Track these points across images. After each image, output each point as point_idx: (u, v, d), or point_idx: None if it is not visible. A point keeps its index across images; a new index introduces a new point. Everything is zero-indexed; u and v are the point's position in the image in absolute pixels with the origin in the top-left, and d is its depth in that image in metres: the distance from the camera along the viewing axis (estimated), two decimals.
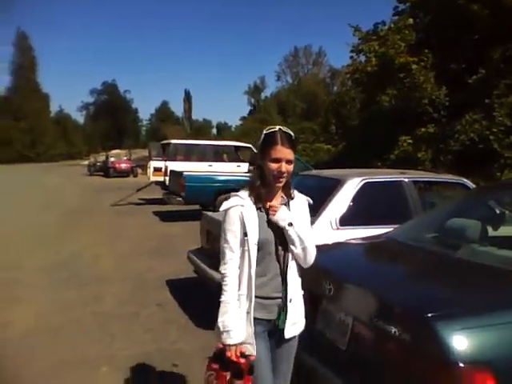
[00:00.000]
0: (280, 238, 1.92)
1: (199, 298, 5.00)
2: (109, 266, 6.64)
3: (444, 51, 13.61)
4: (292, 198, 2.00)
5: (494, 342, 1.79)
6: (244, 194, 1.92)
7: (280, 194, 1.97)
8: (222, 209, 1.91)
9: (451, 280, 2.41)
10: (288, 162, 1.85)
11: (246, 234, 1.84)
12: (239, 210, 1.87)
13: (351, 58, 16.13)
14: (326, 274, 2.51)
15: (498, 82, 12.03)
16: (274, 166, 1.84)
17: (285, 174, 1.86)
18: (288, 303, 1.94)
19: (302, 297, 2.04)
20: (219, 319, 1.83)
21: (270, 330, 1.96)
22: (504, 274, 2.29)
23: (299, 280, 2.01)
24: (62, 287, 5.55)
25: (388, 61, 13.98)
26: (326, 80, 56.72)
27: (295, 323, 1.99)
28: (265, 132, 1.91)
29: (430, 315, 1.82)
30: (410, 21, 14.38)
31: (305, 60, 62.20)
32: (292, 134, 1.91)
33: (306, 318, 2.07)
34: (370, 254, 3.21)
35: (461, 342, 1.72)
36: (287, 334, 1.97)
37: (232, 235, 1.86)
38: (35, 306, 4.89)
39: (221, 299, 1.85)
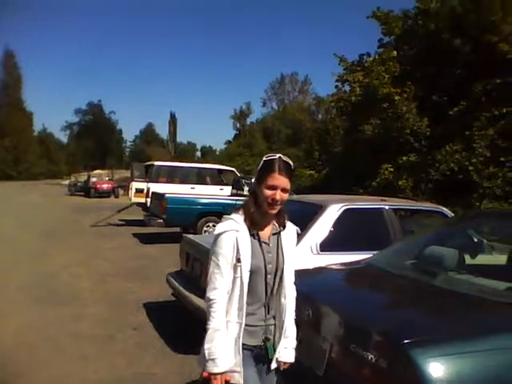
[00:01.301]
0: (270, 266, 1.89)
1: (177, 322, 4.92)
2: (86, 287, 6.51)
3: (426, 83, 14.01)
4: (284, 228, 1.97)
5: (470, 369, 1.79)
6: (238, 218, 1.87)
7: (273, 221, 1.94)
8: (216, 232, 1.85)
9: (428, 307, 2.42)
10: (283, 190, 1.83)
11: (239, 260, 1.80)
12: (234, 235, 1.81)
13: (336, 87, 16.54)
14: (305, 299, 2.49)
15: (479, 114, 12.41)
16: (269, 192, 1.82)
17: (278, 202, 1.84)
18: (273, 332, 1.94)
19: (291, 325, 2.01)
20: (205, 346, 1.76)
21: (257, 355, 1.92)
22: (480, 303, 2.30)
23: (289, 307, 1.98)
24: (39, 306, 5.43)
25: (372, 91, 14.33)
26: (311, 108, 57.60)
27: (285, 348, 1.98)
28: (264, 159, 1.89)
29: (406, 341, 1.83)
30: (394, 53, 14.83)
31: (291, 87, 63.23)
32: (291, 163, 1.89)
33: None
34: (350, 279, 3.21)
35: (437, 369, 1.72)
36: (273, 365, 1.95)
37: (224, 260, 1.80)
38: (11, 324, 4.76)
39: (208, 326, 1.78)
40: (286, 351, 1.98)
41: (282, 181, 1.83)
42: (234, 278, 1.81)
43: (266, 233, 1.92)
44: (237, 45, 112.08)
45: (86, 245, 10.40)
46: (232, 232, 1.82)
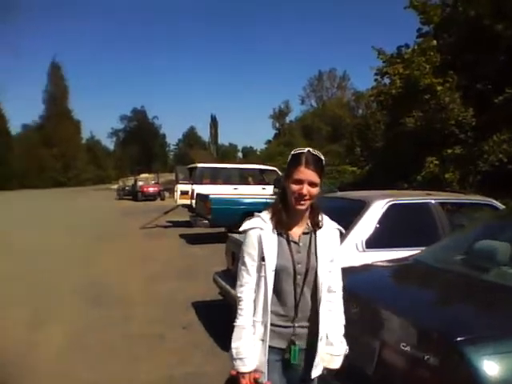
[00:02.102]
0: (299, 266, 1.80)
1: (225, 321, 4.98)
2: (136, 287, 6.71)
3: (469, 72, 13.50)
4: (319, 227, 1.86)
5: None
6: (266, 216, 1.83)
7: (306, 220, 1.85)
8: (241, 229, 1.85)
9: (481, 303, 2.36)
10: (311, 184, 1.75)
11: (263, 259, 1.76)
12: (258, 232, 1.79)
13: (375, 80, 16.17)
14: (352, 297, 2.48)
15: None
16: (295, 187, 1.75)
17: (306, 197, 1.74)
18: (306, 336, 1.84)
19: (336, 331, 1.90)
20: (233, 345, 1.76)
21: (284, 360, 1.84)
22: None
23: (327, 313, 1.86)
24: (91, 308, 5.64)
25: (413, 83, 13.94)
26: (351, 103, 56.75)
27: (321, 362, 1.87)
28: (292, 153, 1.82)
29: (459, 339, 1.79)
30: (434, 42, 14.36)
31: (329, 83, 62.54)
32: (321, 156, 1.80)
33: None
34: (397, 276, 3.17)
35: (491, 367, 1.69)
36: (313, 374, 1.84)
37: (250, 258, 1.79)
38: (65, 326, 4.97)
39: (235, 323, 1.78)
40: (329, 358, 1.88)
41: (308, 174, 1.74)
42: (259, 277, 1.78)
43: (296, 232, 1.84)
44: (273, 43, 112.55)
45: (135, 246, 10.74)
46: (256, 230, 1.79)
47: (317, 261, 1.82)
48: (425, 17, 15.55)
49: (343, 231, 1.98)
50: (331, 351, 1.88)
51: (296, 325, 1.81)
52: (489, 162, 12.16)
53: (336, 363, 1.89)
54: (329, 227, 1.90)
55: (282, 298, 1.80)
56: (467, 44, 13.67)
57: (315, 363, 1.84)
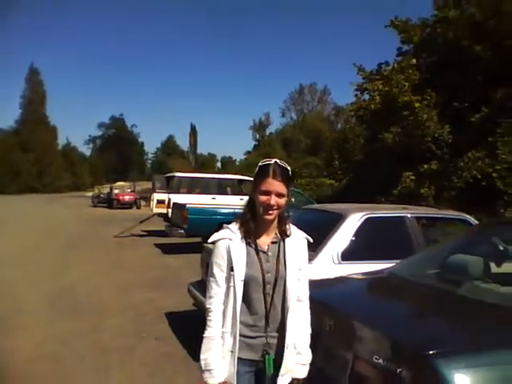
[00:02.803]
0: (269, 275, 1.81)
1: (198, 332, 4.91)
2: (108, 297, 6.58)
3: (447, 90, 13.85)
4: (287, 236, 1.88)
5: (496, 382, 1.74)
6: (234, 227, 1.84)
7: (274, 230, 1.87)
8: (210, 240, 1.85)
9: (453, 317, 2.36)
10: (279, 195, 1.77)
11: (232, 269, 1.77)
12: (227, 243, 1.80)
13: (355, 96, 16.45)
14: (327, 309, 2.47)
15: (501, 120, 12.18)
16: (263, 198, 1.77)
17: (274, 207, 1.77)
18: (275, 345, 1.83)
19: (303, 339, 1.90)
20: (201, 356, 1.77)
21: (257, 371, 1.85)
22: (507, 312, 2.24)
23: (295, 322, 1.86)
24: (61, 317, 5.50)
25: (392, 99, 14.23)
26: (331, 117, 57.49)
27: (289, 371, 1.86)
28: (259, 164, 1.83)
29: (431, 353, 1.79)
30: (414, 61, 14.72)
31: (310, 97, 63.26)
32: (288, 167, 1.83)
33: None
34: (372, 289, 3.17)
35: (463, 381, 1.68)
36: (279, 383, 1.83)
37: (218, 269, 1.80)
38: (34, 336, 4.84)
39: (204, 335, 1.79)
40: (297, 367, 1.88)
41: (276, 185, 1.77)
42: (228, 287, 1.79)
43: (264, 241, 1.86)
44: (256, 56, 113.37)
45: (108, 255, 10.54)
46: (225, 240, 1.81)
47: (285, 269, 1.83)
48: (405, 36, 15.95)
49: (311, 240, 1.98)
50: (300, 360, 1.89)
51: (268, 335, 1.82)
52: (463, 179, 12.43)
53: (304, 372, 1.91)
54: (297, 236, 1.93)
55: (252, 308, 1.81)
56: (446, 64, 14.05)
57: (281, 373, 1.82)
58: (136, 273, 8.47)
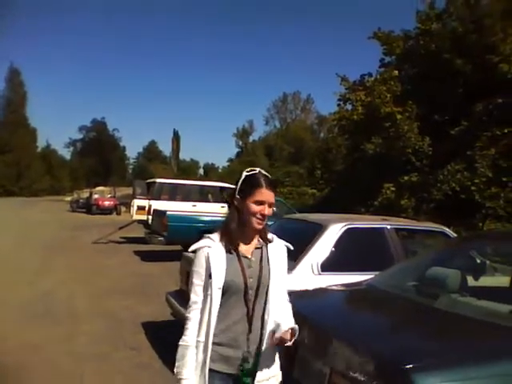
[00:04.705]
0: (251, 281, 1.80)
1: (175, 343, 4.83)
2: (85, 304, 6.47)
3: (428, 102, 14.09)
4: (270, 242, 1.91)
5: None
6: (215, 235, 1.85)
7: (256, 237, 1.89)
8: (190, 249, 1.86)
9: (430, 331, 2.37)
10: (270, 205, 1.82)
11: (210, 277, 1.76)
12: (206, 251, 1.80)
13: (338, 105, 16.63)
14: (304, 321, 2.45)
15: (480, 134, 12.43)
16: (257, 208, 1.79)
17: (266, 217, 1.82)
18: (255, 353, 1.80)
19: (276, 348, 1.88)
20: (176, 364, 1.78)
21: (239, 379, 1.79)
22: (483, 326, 2.26)
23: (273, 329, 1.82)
24: (36, 325, 5.37)
25: (374, 110, 14.41)
26: (314, 126, 57.98)
27: (267, 379, 1.84)
28: (246, 173, 1.85)
29: (408, 367, 1.78)
30: (396, 73, 14.96)
31: (293, 106, 63.70)
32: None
33: (281, 368, 1.92)
34: (350, 301, 3.16)
35: None
36: None
37: (198, 277, 1.80)
38: (8, 342, 4.72)
39: (179, 343, 1.79)
40: (285, 321, 1.80)
41: (269, 196, 1.81)
42: (206, 296, 1.78)
43: (248, 248, 1.87)
44: (240, 63, 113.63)
45: (86, 262, 10.35)
46: (204, 248, 1.81)
47: (269, 274, 1.85)
48: (387, 48, 16.22)
49: (291, 248, 1.99)
50: (269, 370, 1.84)
51: (249, 342, 1.80)
52: (442, 191, 12.63)
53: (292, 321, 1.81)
54: (278, 243, 1.95)
55: (232, 315, 1.79)
56: (427, 76, 14.31)
57: (259, 378, 1.80)
58: (114, 280, 8.33)
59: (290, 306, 1.95)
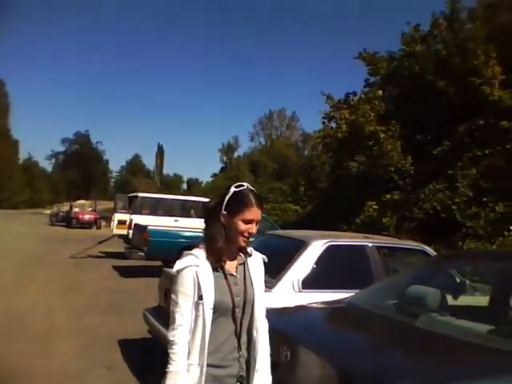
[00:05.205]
0: (238, 299, 1.78)
1: (151, 361, 4.72)
2: (59, 321, 6.29)
3: (411, 122, 14.32)
4: (250, 256, 1.88)
5: None
6: (199, 252, 1.76)
7: (237, 252, 1.85)
8: (174, 269, 1.74)
9: (410, 349, 2.36)
10: (257, 223, 1.78)
11: (201, 298, 1.69)
12: (194, 270, 1.71)
13: (323, 123, 16.75)
14: (284, 339, 2.41)
15: (462, 154, 12.66)
16: (244, 226, 1.75)
17: (252, 234, 1.79)
18: (245, 371, 1.80)
19: (265, 360, 1.87)
20: None
21: None
22: (462, 346, 2.25)
23: (262, 342, 1.85)
24: (9, 341, 5.18)
25: (357, 128, 14.56)
26: (298, 143, 58.51)
27: None
28: (235, 189, 1.78)
29: None
30: (380, 93, 15.19)
31: (278, 123, 64.26)
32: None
33: None
34: (330, 319, 3.13)
35: None
36: None
37: (184, 299, 1.70)
38: None
39: (167, 369, 1.67)
40: None
41: (258, 214, 1.78)
42: (196, 317, 1.70)
43: (231, 265, 1.82)
44: (226, 79, 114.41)
45: (63, 277, 10.12)
46: (192, 268, 1.71)
47: (253, 290, 1.83)
48: (372, 68, 16.49)
49: (266, 260, 1.97)
50: (262, 381, 1.84)
51: (240, 360, 1.78)
52: (424, 210, 12.76)
53: None
54: (256, 256, 1.93)
55: (220, 334, 1.74)
56: (410, 97, 14.57)
57: None
58: (91, 296, 8.14)
59: (266, 323, 1.92)
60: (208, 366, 1.69)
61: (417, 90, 14.33)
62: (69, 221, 30.54)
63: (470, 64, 13.03)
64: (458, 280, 3.42)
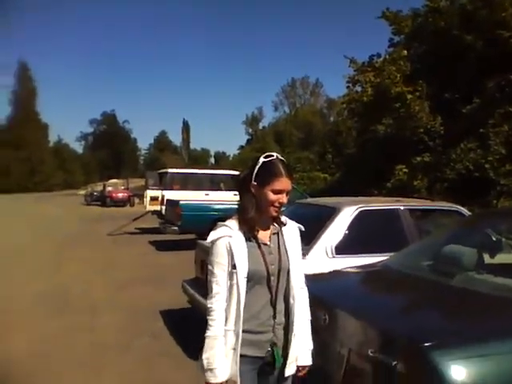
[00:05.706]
0: (272, 267, 1.82)
1: (193, 329, 4.89)
2: (102, 295, 6.55)
3: (438, 81, 13.87)
4: (284, 225, 1.90)
5: (492, 372, 1.74)
6: (232, 223, 1.81)
7: (271, 221, 1.87)
8: (208, 240, 1.80)
9: (447, 309, 2.37)
10: (288, 193, 1.79)
11: (234, 267, 1.74)
12: (227, 240, 1.75)
13: (347, 88, 16.42)
14: (321, 304, 2.46)
15: (493, 111, 12.23)
16: (275, 197, 1.76)
17: (283, 204, 1.80)
18: (282, 335, 1.85)
19: (305, 326, 1.93)
20: (204, 355, 1.74)
21: (262, 367, 1.84)
22: (501, 302, 2.24)
23: (299, 310, 1.89)
24: (55, 316, 5.46)
25: (383, 91, 14.22)
26: (323, 110, 57.57)
27: (295, 359, 1.89)
28: (264, 160, 1.80)
29: (425, 344, 1.78)
30: (405, 52, 14.72)
31: (302, 90, 63.25)
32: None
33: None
34: (366, 282, 3.16)
35: (458, 371, 1.68)
36: (287, 372, 1.86)
37: (219, 268, 1.76)
38: (28, 334, 4.82)
39: (206, 334, 1.75)
40: (302, 354, 1.91)
41: (288, 184, 1.79)
42: (231, 285, 1.75)
43: (265, 234, 1.86)
44: (247, 50, 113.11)
45: (102, 254, 10.48)
46: (225, 238, 1.76)
47: (288, 259, 1.85)
48: (396, 27, 15.96)
49: (302, 228, 1.99)
50: (304, 347, 1.92)
51: (275, 326, 1.83)
52: (456, 170, 12.49)
53: (309, 359, 1.94)
54: (291, 225, 1.95)
55: (256, 302, 1.79)
56: (437, 54, 14.06)
57: (289, 361, 1.85)
58: (130, 270, 8.43)
59: (306, 290, 1.98)
60: (244, 331, 1.75)
61: (443, 47, 13.80)
62: (103, 200, 31.29)
63: (497, 16, 12.43)
64: (494, 238, 3.37)
